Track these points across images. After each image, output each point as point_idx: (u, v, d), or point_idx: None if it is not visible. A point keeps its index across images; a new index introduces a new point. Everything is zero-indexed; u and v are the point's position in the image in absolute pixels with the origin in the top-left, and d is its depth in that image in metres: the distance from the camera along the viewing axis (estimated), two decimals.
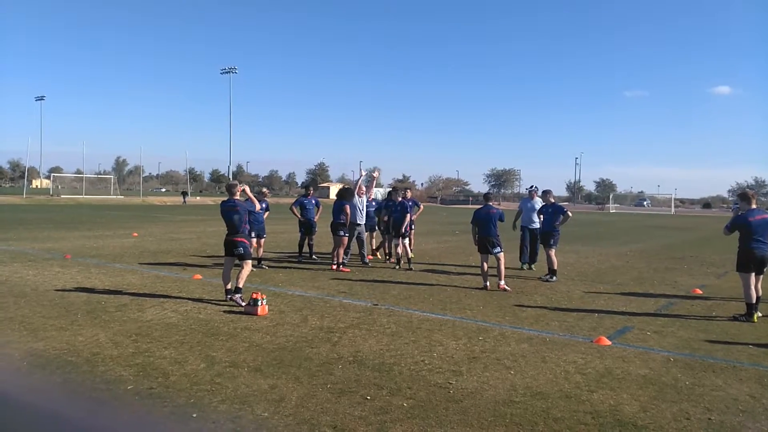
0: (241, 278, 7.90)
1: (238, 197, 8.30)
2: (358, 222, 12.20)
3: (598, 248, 18.03)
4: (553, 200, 11.36)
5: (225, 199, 8.36)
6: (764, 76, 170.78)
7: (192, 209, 43.48)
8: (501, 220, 9.90)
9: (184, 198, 59.68)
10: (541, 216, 11.42)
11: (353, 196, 12.03)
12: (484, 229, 9.82)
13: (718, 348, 6.28)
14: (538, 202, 12.02)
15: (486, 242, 9.77)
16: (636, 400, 4.59)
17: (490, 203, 10.16)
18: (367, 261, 12.55)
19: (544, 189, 11.76)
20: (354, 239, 12.28)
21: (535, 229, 12.23)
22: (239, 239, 8.04)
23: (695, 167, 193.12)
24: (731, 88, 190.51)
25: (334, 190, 64.87)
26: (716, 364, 5.66)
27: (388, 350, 5.82)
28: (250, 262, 8.21)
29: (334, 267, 11.56)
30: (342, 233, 11.64)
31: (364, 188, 12.63)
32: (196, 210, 41.94)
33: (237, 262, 8.16)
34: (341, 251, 11.69)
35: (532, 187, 12.84)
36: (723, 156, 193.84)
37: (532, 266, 12.42)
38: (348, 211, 11.80)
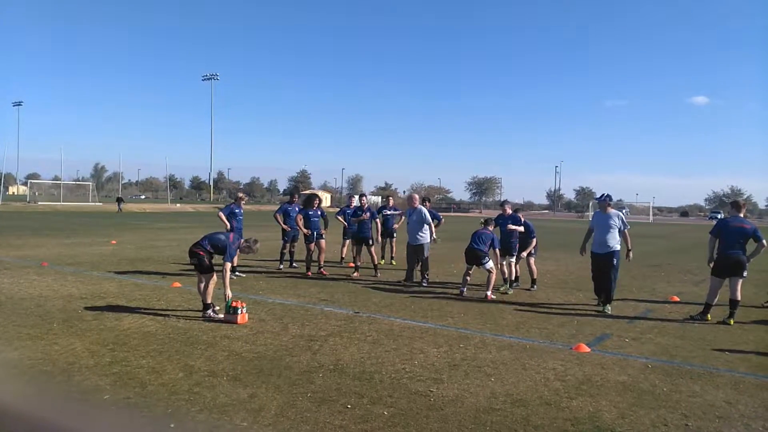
0: (208, 293, 7.53)
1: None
2: (419, 242, 10.63)
3: (578, 256, 18.17)
4: (510, 211, 10.78)
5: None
6: (740, 86, 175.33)
7: (130, 217, 42.87)
8: (495, 247, 9.96)
9: (119, 205, 50.76)
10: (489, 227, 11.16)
11: (312, 205, 11.80)
12: (477, 245, 9.82)
13: (695, 354, 6.37)
14: (615, 217, 8.96)
15: (476, 255, 9.79)
16: (615, 406, 4.63)
17: (489, 228, 10.10)
18: (425, 283, 10.78)
19: (502, 200, 11.67)
20: (413, 260, 10.92)
21: (613, 252, 8.85)
22: (195, 250, 7.70)
23: (673, 176, 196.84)
24: (708, 98, 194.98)
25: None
26: (693, 370, 5.74)
27: (369, 358, 5.80)
28: (212, 275, 7.64)
29: (323, 271, 11.93)
30: (305, 240, 11.79)
31: (417, 198, 11.19)
32: (134, 218, 40.46)
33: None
34: (311, 256, 11.91)
35: (603, 196, 9.12)
36: (700, 165, 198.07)
37: (608, 306, 8.90)
38: (300, 218, 11.70)
